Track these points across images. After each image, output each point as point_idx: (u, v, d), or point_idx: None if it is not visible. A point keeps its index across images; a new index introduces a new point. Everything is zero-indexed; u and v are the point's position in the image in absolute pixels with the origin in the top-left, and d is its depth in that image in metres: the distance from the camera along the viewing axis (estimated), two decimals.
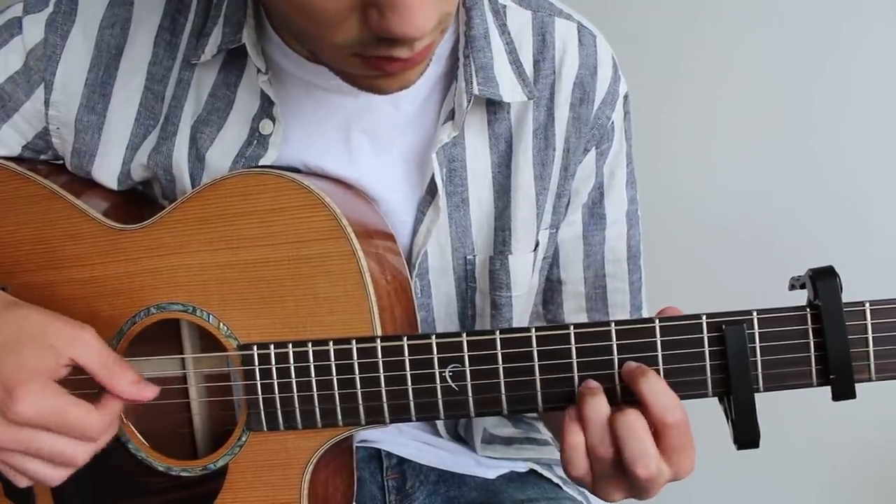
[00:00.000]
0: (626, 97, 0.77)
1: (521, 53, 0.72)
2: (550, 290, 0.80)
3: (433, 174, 0.71)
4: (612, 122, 0.76)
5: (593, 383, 0.60)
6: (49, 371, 0.60)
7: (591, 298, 0.79)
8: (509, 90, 0.71)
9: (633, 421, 0.58)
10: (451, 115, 0.70)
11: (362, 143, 0.71)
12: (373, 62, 0.56)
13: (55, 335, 0.61)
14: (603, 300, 0.80)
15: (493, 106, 0.72)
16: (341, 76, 0.61)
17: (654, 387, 0.58)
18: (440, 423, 0.82)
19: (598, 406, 0.59)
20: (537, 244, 0.76)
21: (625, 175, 0.78)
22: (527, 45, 0.73)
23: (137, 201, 0.76)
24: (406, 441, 0.83)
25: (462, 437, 0.83)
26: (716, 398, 0.62)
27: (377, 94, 0.61)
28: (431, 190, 0.72)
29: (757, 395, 0.60)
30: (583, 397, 0.59)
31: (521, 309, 0.77)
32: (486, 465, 0.83)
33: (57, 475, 0.63)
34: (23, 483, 0.63)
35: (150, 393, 0.64)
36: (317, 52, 0.60)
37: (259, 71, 0.69)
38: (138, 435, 0.69)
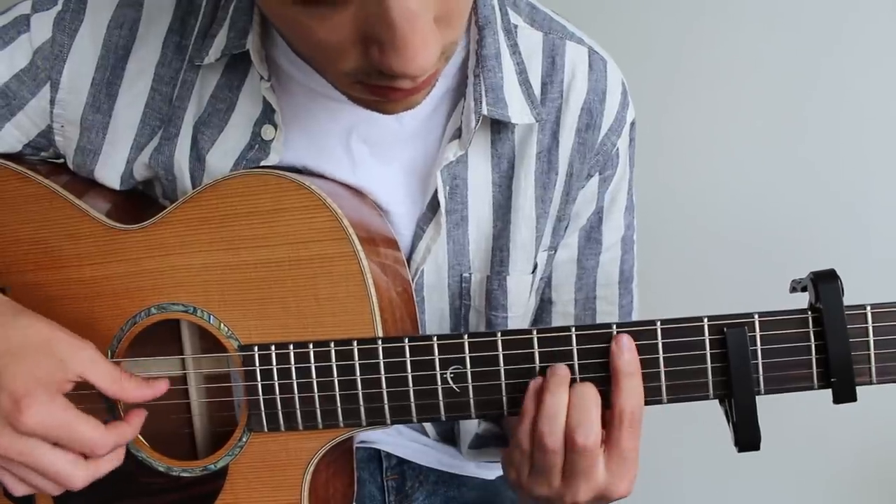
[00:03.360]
0: (632, 124, 0.76)
1: (530, 74, 0.71)
2: (540, 309, 0.80)
3: (436, 191, 0.70)
4: (617, 149, 0.75)
5: (562, 371, 0.61)
6: (56, 383, 0.61)
7: (580, 319, 0.79)
8: (518, 111, 0.70)
9: (585, 391, 0.59)
10: (458, 134, 0.69)
11: (363, 153, 0.71)
12: (374, 90, 0.56)
13: (60, 348, 0.61)
14: (592, 322, 0.79)
15: (498, 126, 0.71)
16: (346, 96, 0.60)
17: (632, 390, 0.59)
18: (429, 427, 0.82)
19: (559, 396, 0.60)
20: (535, 266, 0.75)
21: (625, 201, 0.77)
22: (535, 66, 0.72)
23: (138, 202, 0.75)
24: (406, 442, 0.83)
25: (453, 441, 0.83)
26: (717, 400, 0.62)
27: (381, 114, 0.61)
28: (433, 207, 0.71)
29: (758, 398, 0.60)
30: (547, 382, 0.60)
31: None
32: (485, 466, 0.83)
33: (56, 489, 0.63)
34: (20, 492, 0.63)
35: (161, 386, 0.65)
36: (321, 75, 0.60)
37: (262, 78, 0.68)
38: (138, 435, 0.69)
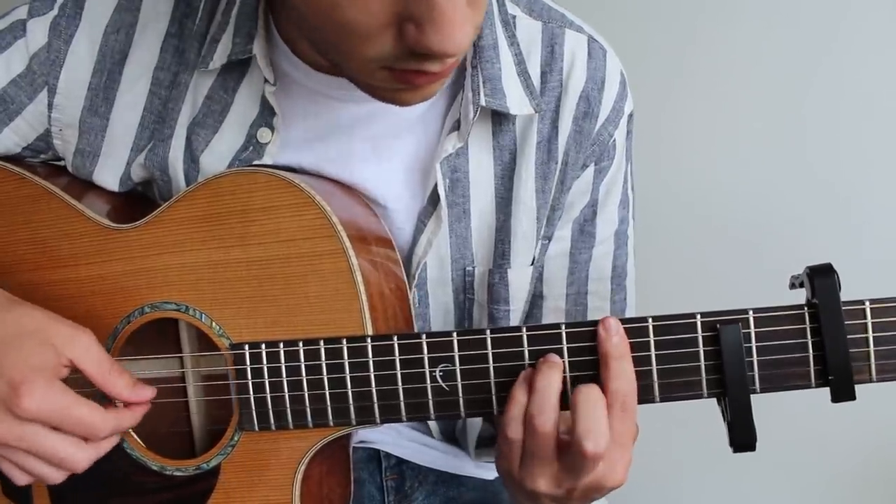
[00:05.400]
0: (630, 115, 0.75)
1: (529, 64, 0.71)
2: (530, 303, 0.78)
3: (436, 184, 0.70)
4: (614, 140, 0.74)
5: (555, 358, 0.60)
6: (52, 369, 0.61)
7: (571, 315, 0.78)
8: (517, 102, 0.70)
9: (594, 395, 0.57)
10: (456, 126, 0.69)
11: (364, 150, 0.71)
12: (401, 75, 0.56)
13: (55, 335, 0.62)
14: (583, 317, 0.78)
15: (499, 117, 0.71)
16: (363, 87, 0.60)
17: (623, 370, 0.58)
18: (433, 426, 0.82)
19: (550, 378, 0.58)
20: (534, 259, 0.74)
21: (619, 194, 0.76)
22: (535, 56, 0.71)
23: (135, 203, 0.76)
24: (405, 442, 0.82)
25: (457, 441, 0.83)
26: (712, 399, 0.61)
27: (398, 105, 0.60)
28: (433, 200, 0.71)
29: (754, 396, 0.59)
30: (539, 367, 0.59)
31: (517, 322, 0.76)
32: (485, 467, 0.82)
33: (58, 475, 0.63)
34: (23, 481, 0.64)
35: (147, 393, 0.65)
36: (342, 64, 0.59)
37: (266, 81, 0.68)
38: (133, 434, 0.69)
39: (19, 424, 0.60)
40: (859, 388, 0.58)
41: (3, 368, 0.60)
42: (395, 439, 0.82)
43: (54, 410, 0.60)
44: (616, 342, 0.59)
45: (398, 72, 0.56)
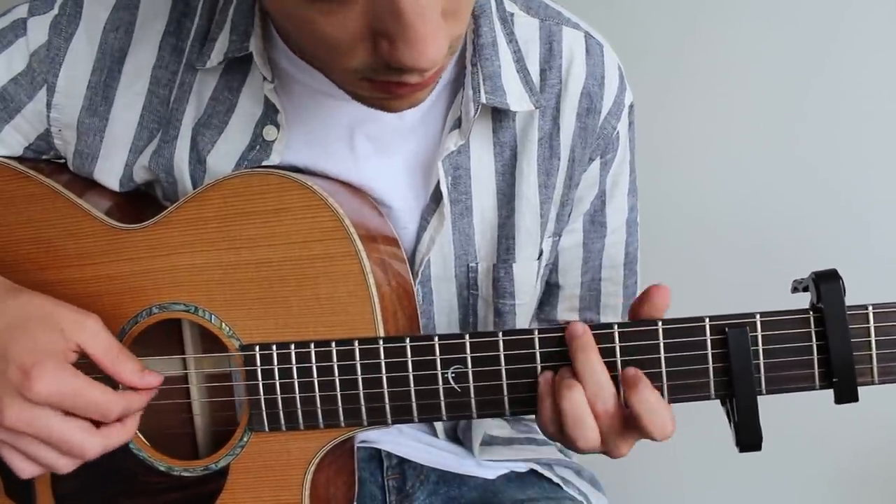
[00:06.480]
0: (631, 107, 0.77)
1: (528, 61, 0.72)
2: (546, 293, 0.81)
3: (438, 182, 0.71)
4: (617, 132, 0.76)
5: (581, 328, 0.60)
6: (61, 353, 0.61)
7: (585, 299, 0.80)
8: (517, 99, 0.71)
9: (647, 394, 0.59)
10: (458, 124, 0.70)
11: (366, 149, 0.71)
12: (381, 86, 0.57)
13: (62, 320, 0.62)
14: (596, 301, 0.81)
15: (499, 114, 0.72)
16: (350, 94, 0.61)
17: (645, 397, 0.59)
18: (438, 426, 0.83)
19: (595, 368, 0.60)
20: (541, 252, 0.76)
21: (627, 183, 0.78)
22: (533, 54, 0.72)
23: (140, 201, 0.75)
24: (406, 441, 0.83)
25: (460, 440, 0.83)
26: (718, 400, 0.62)
27: (386, 111, 0.61)
28: (436, 198, 0.72)
29: (760, 398, 0.60)
30: (574, 354, 0.60)
31: (525, 317, 0.78)
32: (486, 466, 0.83)
33: (66, 463, 0.62)
34: (27, 472, 0.62)
35: (154, 380, 0.64)
36: (324, 72, 0.60)
37: (265, 79, 0.68)
38: (139, 434, 0.69)
39: (30, 408, 0.59)
40: (862, 390, 0.59)
41: (13, 353, 0.59)
42: (397, 438, 0.82)
43: (65, 393, 0.59)
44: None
45: (378, 83, 0.56)
